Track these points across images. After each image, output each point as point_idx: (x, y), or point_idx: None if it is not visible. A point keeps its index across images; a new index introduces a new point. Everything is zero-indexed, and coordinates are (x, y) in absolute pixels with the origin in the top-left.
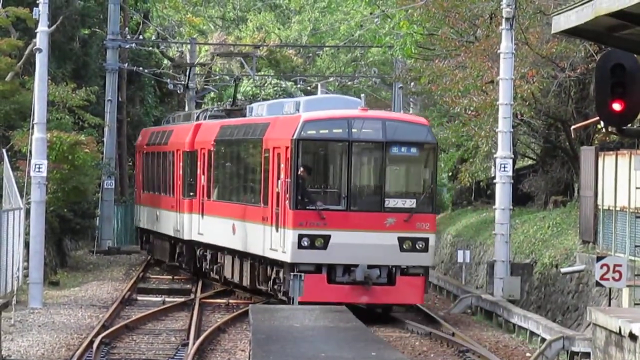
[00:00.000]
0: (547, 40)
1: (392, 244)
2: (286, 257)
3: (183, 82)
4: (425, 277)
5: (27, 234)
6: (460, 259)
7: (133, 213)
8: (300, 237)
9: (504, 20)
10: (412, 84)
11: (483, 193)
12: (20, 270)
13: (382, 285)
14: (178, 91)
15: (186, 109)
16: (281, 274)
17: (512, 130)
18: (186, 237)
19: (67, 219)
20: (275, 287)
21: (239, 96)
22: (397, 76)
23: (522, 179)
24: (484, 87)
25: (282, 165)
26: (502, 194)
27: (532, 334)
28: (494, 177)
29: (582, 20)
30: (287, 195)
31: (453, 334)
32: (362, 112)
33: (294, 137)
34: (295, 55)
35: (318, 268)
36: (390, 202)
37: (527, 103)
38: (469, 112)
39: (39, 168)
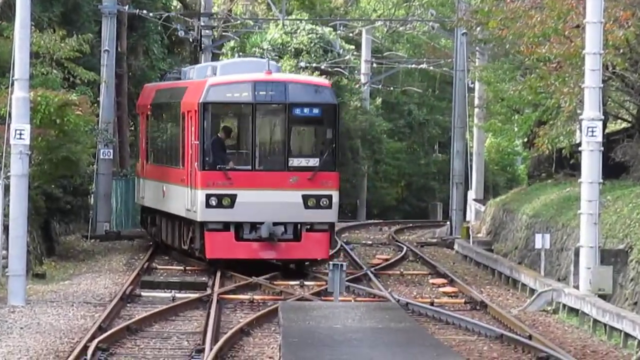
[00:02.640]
0: None
1: (297, 202)
2: (196, 216)
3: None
4: (330, 233)
5: (6, 215)
6: (538, 245)
7: (136, 188)
8: (208, 196)
9: None
10: (478, 29)
11: (566, 163)
12: None
13: (288, 241)
14: (190, 39)
15: (201, 62)
16: (196, 233)
17: (601, 85)
18: (136, 201)
19: (56, 197)
20: (192, 245)
21: (265, 45)
22: (460, 20)
23: (615, 146)
24: (566, 33)
25: (193, 128)
26: (590, 164)
27: (628, 336)
28: (580, 144)
29: None
30: (197, 157)
31: (530, 337)
32: (266, 75)
33: (200, 100)
34: None
35: (226, 226)
36: (294, 162)
37: (621, 52)
38: (548, 63)
39: (21, 134)
